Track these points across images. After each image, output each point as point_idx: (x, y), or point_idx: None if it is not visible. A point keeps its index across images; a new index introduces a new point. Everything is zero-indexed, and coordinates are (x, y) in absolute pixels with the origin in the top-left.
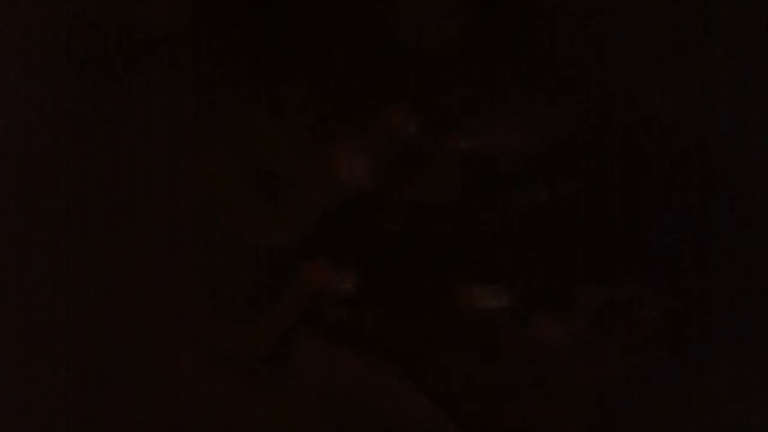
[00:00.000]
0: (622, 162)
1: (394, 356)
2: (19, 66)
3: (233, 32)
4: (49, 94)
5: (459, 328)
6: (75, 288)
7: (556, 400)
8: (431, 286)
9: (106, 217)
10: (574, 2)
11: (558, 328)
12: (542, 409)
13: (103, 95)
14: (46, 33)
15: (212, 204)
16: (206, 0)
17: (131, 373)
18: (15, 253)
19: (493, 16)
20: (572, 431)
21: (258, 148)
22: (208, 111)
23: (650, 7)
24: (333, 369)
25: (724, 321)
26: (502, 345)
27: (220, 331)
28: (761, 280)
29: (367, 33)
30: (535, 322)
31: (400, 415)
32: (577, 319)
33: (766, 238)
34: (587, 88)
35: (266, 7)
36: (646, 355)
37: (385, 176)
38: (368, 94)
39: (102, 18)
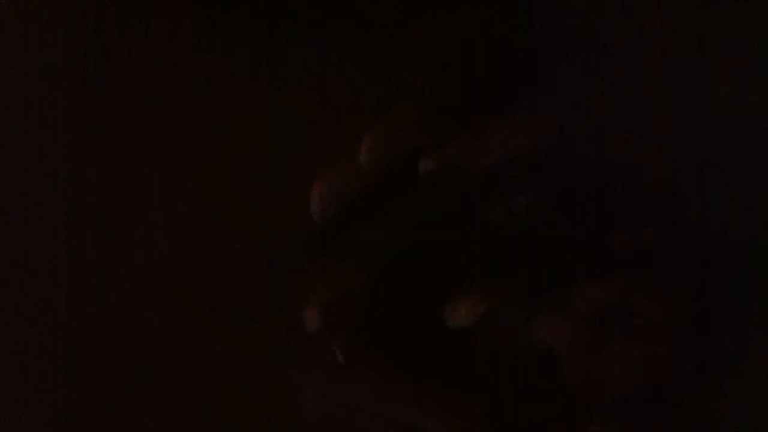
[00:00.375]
0: (622, 162)
1: (394, 356)
2: (19, 66)
3: (233, 32)
4: (49, 94)
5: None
6: (75, 288)
7: (555, 400)
8: (431, 285)
9: (106, 217)
10: (574, 2)
11: (558, 328)
12: (542, 409)
13: (103, 95)
14: (46, 33)
15: (212, 204)
16: (206, 0)
17: (131, 373)
18: (15, 253)
19: (492, 16)
20: (572, 431)
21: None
22: (207, 111)
23: (650, 7)
24: (333, 370)
25: (724, 321)
26: (502, 345)
27: (220, 331)
28: (761, 280)
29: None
30: (535, 322)
31: (399, 415)
32: (577, 319)
33: (766, 238)
34: (587, 87)
35: (266, 7)
36: (646, 355)
37: (385, 176)
38: (368, 94)
39: (102, 18)
